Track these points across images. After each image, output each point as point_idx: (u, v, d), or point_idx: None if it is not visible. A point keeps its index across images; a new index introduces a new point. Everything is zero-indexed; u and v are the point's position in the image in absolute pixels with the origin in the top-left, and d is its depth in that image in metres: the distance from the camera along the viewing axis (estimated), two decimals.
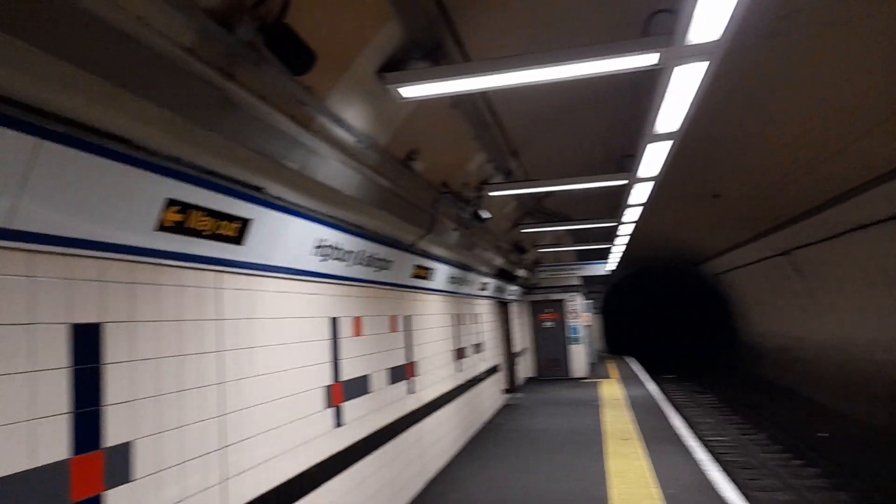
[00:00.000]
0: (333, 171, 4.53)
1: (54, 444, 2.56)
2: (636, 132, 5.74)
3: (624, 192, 8.26)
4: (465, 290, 10.95)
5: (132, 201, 2.92)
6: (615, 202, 10.08)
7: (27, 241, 2.47)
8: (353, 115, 4.69)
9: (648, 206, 9.44)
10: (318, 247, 4.95)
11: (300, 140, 4.00)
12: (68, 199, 2.58)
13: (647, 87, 4.80)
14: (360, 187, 5.06)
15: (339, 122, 4.53)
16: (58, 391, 2.60)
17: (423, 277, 8.08)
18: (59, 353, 2.63)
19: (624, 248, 15.97)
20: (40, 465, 2.48)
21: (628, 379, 18.38)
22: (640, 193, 8.12)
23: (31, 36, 2.11)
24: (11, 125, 2.26)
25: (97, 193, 2.71)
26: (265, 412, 4.19)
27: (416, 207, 6.60)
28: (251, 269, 4.13)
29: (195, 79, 3.03)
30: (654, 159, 6.08)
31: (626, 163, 7.04)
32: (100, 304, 2.87)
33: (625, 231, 12.41)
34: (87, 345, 2.77)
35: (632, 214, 10.02)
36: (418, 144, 6.17)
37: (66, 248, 2.67)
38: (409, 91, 4.23)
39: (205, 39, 3.02)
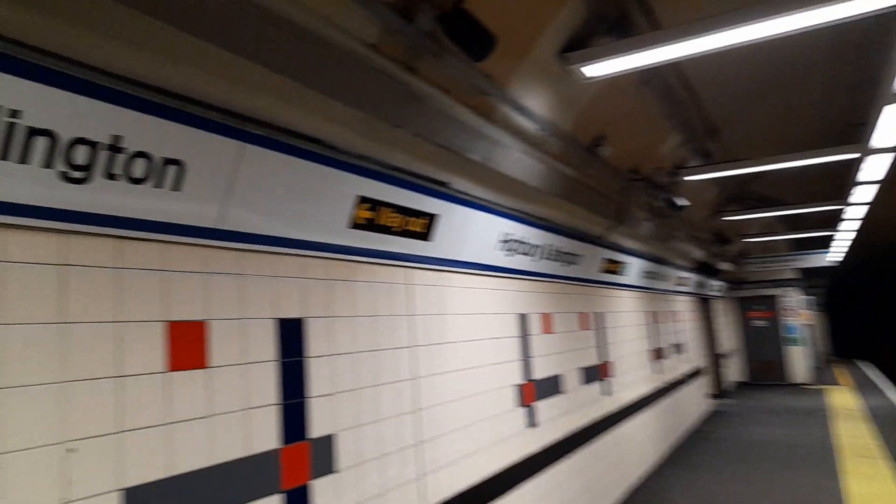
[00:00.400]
0: (516, 161, 4.36)
1: (266, 434, 2.70)
2: (867, 95, 4.77)
3: (852, 167, 6.99)
4: (660, 285, 10.16)
5: (326, 200, 3.01)
6: (839, 181, 8.62)
7: (237, 241, 2.64)
8: (535, 102, 4.48)
9: (887, 183, 7.90)
10: (504, 241, 4.82)
11: (483, 131, 3.89)
12: (270, 199, 2.71)
13: (881, 38, 3.93)
14: (543, 177, 4.83)
15: (521, 109, 4.34)
16: (267, 383, 2.75)
17: (614, 272, 7.59)
18: (267, 346, 2.77)
19: (853, 234, 13.70)
20: (254, 453, 2.62)
21: (864, 386, 15.76)
22: (875, 168, 6.79)
23: (227, 41, 2.21)
24: (217, 130, 2.40)
25: (295, 193, 2.82)
26: (458, 409, 4.15)
27: (603, 197, 6.19)
28: (439, 264, 4.11)
29: (379, 75, 3.04)
30: (894, 124, 5.00)
31: (853, 133, 5.93)
32: (301, 300, 3.00)
33: (853, 214, 10.59)
34: (291, 339, 2.91)
35: (863, 194, 8.47)
36: (605, 128, 5.76)
37: (271, 246, 2.81)
38: (594, 69, 3.91)
39: (387, 34, 3.01)
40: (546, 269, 5.71)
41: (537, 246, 5.38)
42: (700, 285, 13.63)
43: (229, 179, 2.50)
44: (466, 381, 4.31)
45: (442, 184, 3.89)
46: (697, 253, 11.52)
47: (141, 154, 2.17)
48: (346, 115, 2.92)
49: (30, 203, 1.92)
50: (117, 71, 2.04)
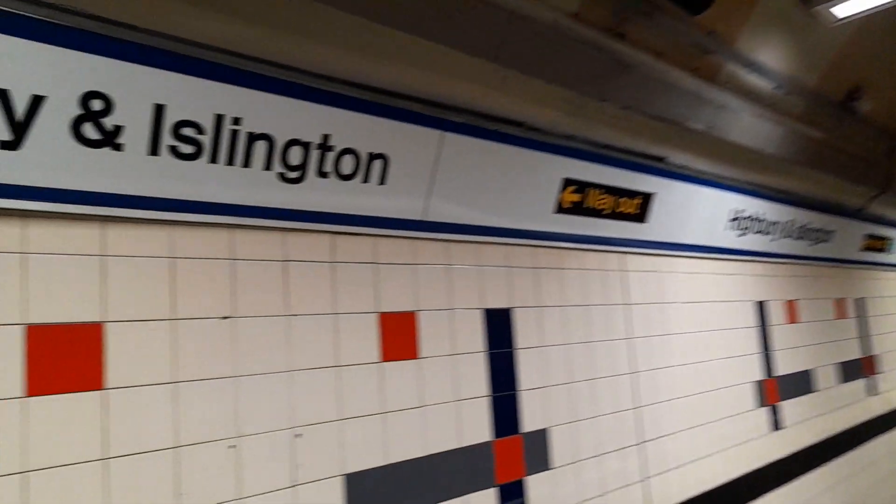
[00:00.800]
0: (747, 127, 3.77)
1: (478, 426, 2.64)
2: None
3: None
4: None
5: (530, 184, 2.85)
6: None
7: (442, 232, 2.61)
8: (769, 56, 3.81)
9: None
10: (734, 219, 4.22)
11: (705, 96, 3.41)
12: (472, 187, 2.64)
13: None
14: (782, 143, 4.12)
15: (752, 66, 3.72)
16: (476, 375, 2.69)
17: (880, 250, 6.30)
18: (474, 337, 2.72)
19: None
20: (467, 444, 2.58)
21: None
22: None
23: (427, 30, 2.16)
24: (417, 121, 2.38)
25: (497, 179, 2.71)
26: (684, 407, 3.73)
27: (862, 161, 5.13)
28: (657, 248, 3.72)
29: (583, 46, 2.79)
30: None
31: None
32: (508, 290, 2.89)
33: None
34: (499, 329, 2.82)
35: None
36: (862, 79, 4.74)
37: (476, 235, 2.75)
38: (846, 8, 3.21)
39: (589, 0, 2.75)
40: (788, 249, 4.91)
41: (775, 223, 4.64)
42: None
43: (431, 170, 2.48)
44: (693, 376, 3.85)
45: (657, 159, 3.50)
46: None
47: (348, 151, 2.23)
48: (547, 93, 2.73)
49: (255, 204, 2.07)
50: (325, 72, 2.10)
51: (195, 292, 1.95)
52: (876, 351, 6.09)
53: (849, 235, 5.66)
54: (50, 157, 1.64)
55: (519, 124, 2.80)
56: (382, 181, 2.35)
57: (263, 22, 1.85)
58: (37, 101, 1.58)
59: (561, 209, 3.04)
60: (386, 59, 2.17)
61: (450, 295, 2.65)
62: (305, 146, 2.12)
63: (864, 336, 5.94)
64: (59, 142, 1.64)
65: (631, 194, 3.36)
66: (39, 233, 1.68)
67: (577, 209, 3.12)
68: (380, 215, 2.40)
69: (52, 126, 1.62)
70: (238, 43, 1.87)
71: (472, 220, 2.71)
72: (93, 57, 1.64)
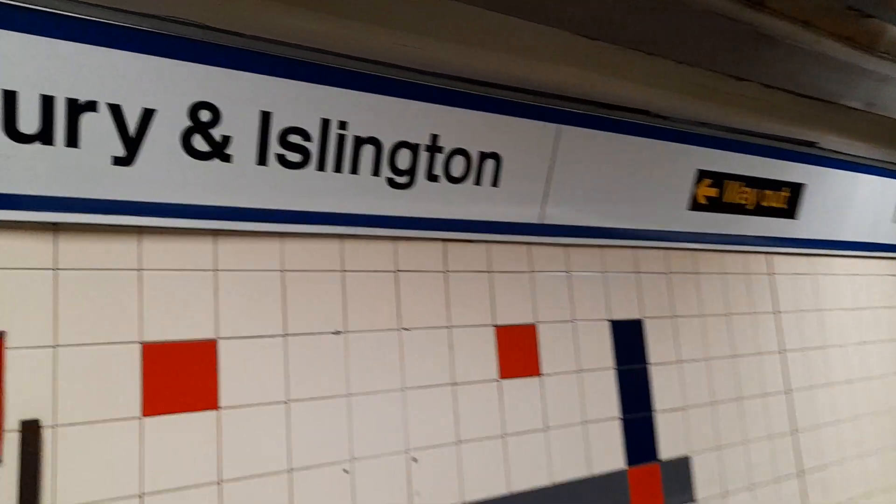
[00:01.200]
0: None
1: (608, 452, 2.37)
2: None
3: None
4: None
5: (658, 179, 2.56)
6: None
7: (561, 235, 2.38)
8: None
9: None
10: None
11: (863, 66, 2.93)
12: (593, 185, 2.40)
13: None
14: None
15: None
16: (605, 393, 2.42)
17: None
18: (601, 351, 2.46)
19: None
20: (597, 473, 2.32)
21: None
22: None
23: (531, 12, 1.97)
24: (530, 114, 2.18)
25: (620, 175, 2.45)
26: (851, 430, 3.21)
27: None
28: (810, 247, 3.25)
29: (713, 18, 2.46)
30: None
31: None
32: (637, 298, 2.60)
33: None
34: (628, 343, 2.53)
35: None
36: None
37: (598, 238, 2.50)
38: None
39: None
40: None
41: None
42: None
43: (548, 167, 2.27)
44: (861, 394, 3.32)
45: (807, 144, 3.05)
46: None
47: (458, 151, 2.07)
48: (674, 74, 2.45)
49: (364, 212, 1.96)
50: (430, 67, 1.96)
51: (306, 307, 1.86)
52: None
53: None
54: (162, 171, 1.61)
55: (643, 112, 2.53)
56: (495, 182, 2.17)
57: (363, 17, 1.74)
58: (148, 115, 1.56)
59: (696, 205, 2.71)
60: (492, 48, 2.00)
61: (571, 305, 2.42)
62: (414, 148, 1.99)
63: None
64: (171, 155, 1.62)
65: (777, 186, 2.95)
66: (154, 248, 1.66)
67: (715, 205, 2.77)
68: (493, 219, 2.22)
69: (163, 140, 1.60)
70: (338, 41, 1.77)
71: (595, 222, 2.46)
72: (198, 66, 1.60)
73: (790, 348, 3.05)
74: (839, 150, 3.21)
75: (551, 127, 2.25)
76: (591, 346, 2.43)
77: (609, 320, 2.50)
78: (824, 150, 3.13)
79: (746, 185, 2.84)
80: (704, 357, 2.72)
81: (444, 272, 2.14)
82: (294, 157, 1.79)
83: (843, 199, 3.27)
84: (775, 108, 2.79)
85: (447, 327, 2.10)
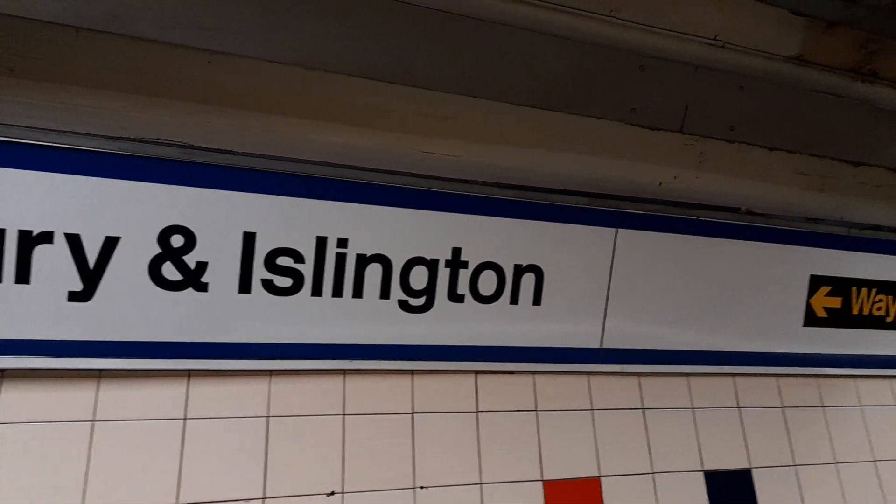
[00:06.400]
0: None
1: None
2: None
3: None
4: None
5: (762, 288, 2.07)
6: None
7: (629, 362, 1.93)
8: None
9: None
10: None
11: None
12: (669, 299, 1.95)
13: None
14: None
15: None
16: None
17: None
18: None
19: None
20: None
21: None
22: None
23: (579, 105, 1.68)
24: (585, 219, 1.83)
25: (709, 285, 1.99)
26: None
27: None
28: None
29: (816, 97, 2.07)
30: None
31: None
32: (741, 441, 2.03)
33: None
34: (732, 500, 1.94)
35: None
36: None
37: (684, 365, 2.00)
38: None
39: (817, 34, 2.02)
40: None
41: None
42: None
43: (608, 280, 1.87)
44: None
45: None
46: None
47: (488, 265, 1.75)
48: (772, 162, 2.04)
49: (371, 342, 1.65)
50: (444, 173, 1.70)
51: (294, 461, 1.54)
52: None
53: None
54: (127, 305, 1.42)
55: (733, 210, 2.09)
56: (537, 301, 1.80)
57: (361, 122, 1.54)
58: (111, 244, 1.40)
59: (813, 319, 2.16)
60: (525, 144, 1.72)
61: (649, 451, 1.90)
62: (431, 265, 1.69)
63: None
64: (137, 287, 1.43)
65: None
66: (112, 396, 1.44)
67: (840, 318, 2.19)
68: (537, 345, 1.82)
69: (128, 270, 1.42)
70: (332, 150, 1.56)
71: (673, 345, 1.98)
72: (168, 187, 1.43)
73: None
74: None
75: (608, 232, 1.87)
76: (678, 498, 1.88)
77: (703, 471, 1.95)
78: None
79: (881, 292, 2.23)
80: None
81: (474, 412, 1.75)
82: (283, 281, 1.55)
83: None
84: None
85: (478, 484, 1.68)
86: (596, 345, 1.89)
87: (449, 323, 1.72)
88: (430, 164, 1.69)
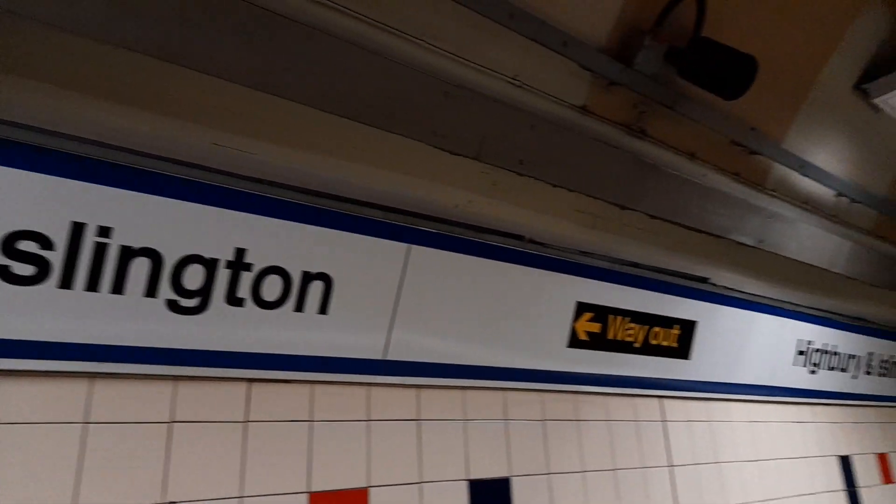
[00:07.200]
0: (809, 241, 3.13)
1: None
2: None
3: None
4: None
5: (532, 311, 2.24)
6: None
7: (407, 374, 1.98)
8: (827, 157, 3.22)
9: None
10: (802, 352, 3.45)
11: (754, 204, 2.82)
12: (452, 315, 2.04)
13: None
14: (852, 261, 3.44)
15: (807, 169, 3.13)
16: None
17: None
18: None
19: None
20: None
21: None
22: None
23: (392, 121, 1.70)
24: (382, 233, 1.85)
25: (487, 305, 2.12)
26: None
27: None
28: (706, 390, 2.97)
29: (595, 144, 2.30)
30: None
31: None
32: (505, 451, 2.19)
33: None
34: None
35: None
36: None
37: (458, 378, 2.11)
38: None
39: (599, 88, 2.26)
40: (873, 388, 4.03)
41: (853, 356, 3.82)
42: None
43: (396, 295, 1.91)
44: None
45: (700, 279, 2.85)
46: None
47: (274, 270, 1.69)
48: (553, 199, 2.21)
49: (128, 344, 1.51)
50: (230, 167, 1.61)
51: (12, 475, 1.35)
52: None
53: None
54: None
55: (517, 237, 2.26)
56: (323, 309, 1.78)
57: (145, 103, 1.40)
58: None
59: (576, 342, 2.40)
60: (325, 151, 1.69)
61: (419, 461, 1.97)
62: (209, 264, 1.58)
63: None
64: None
65: (668, 323, 2.69)
66: None
67: (598, 342, 2.46)
68: (319, 354, 1.80)
69: None
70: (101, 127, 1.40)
71: (453, 359, 2.08)
72: None
73: None
74: (733, 287, 3.03)
75: (401, 247, 1.91)
76: None
77: (468, 480, 2.06)
78: (717, 286, 2.94)
79: (633, 321, 2.56)
80: None
81: (244, 422, 1.67)
82: (23, 269, 1.35)
83: (739, 339, 3.05)
84: (664, 241, 2.59)
85: (237, 498, 1.61)
86: (379, 356, 1.92)
87: (224, 327, 1.62)
88: (222, 158, 1.59)
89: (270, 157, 1.64)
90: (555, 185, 2.26)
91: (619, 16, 2.18)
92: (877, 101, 2.73)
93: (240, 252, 1.62)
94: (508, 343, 2.21)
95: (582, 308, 2.37)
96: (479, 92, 1.90)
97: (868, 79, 2.98)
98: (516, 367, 2.25)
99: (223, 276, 1.60)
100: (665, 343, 2.69)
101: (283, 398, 1.75)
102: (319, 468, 1.76)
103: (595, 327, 2.43)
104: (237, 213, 1.60)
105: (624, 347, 2.55)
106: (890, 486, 3.89)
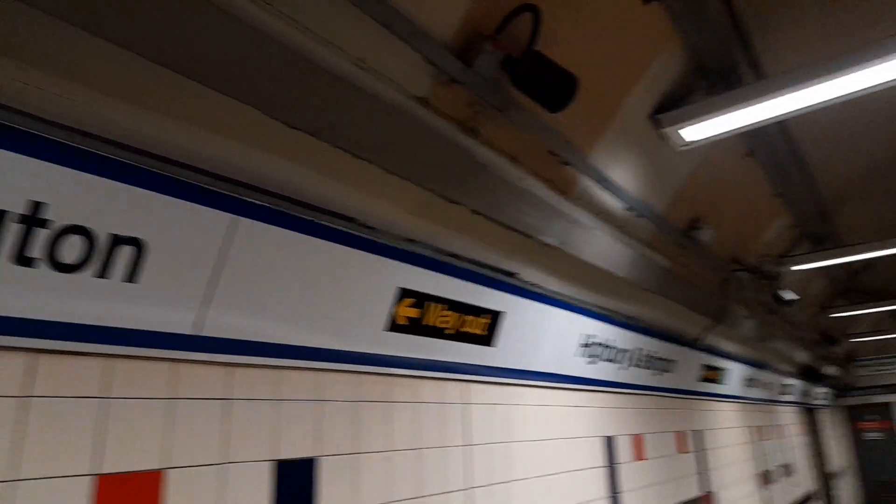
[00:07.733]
0: (599, 247, 3.54)
1: None
2: None
3: None
4: (762, 394, 8.74)
5: (355, 293, 2.26)
6: None
7: (219, 352, 1.89)
8: (622, 174, 3.69)
9: None
10: (585, 345, 3.91)
11: (559, 209, 3.12)
12: (272, 293, 1.99)
13: None
14: (633, 267, 3.96)
15: (606, 183, 3.56)
16: None
17: (714, 381, 6.42)
18: (259, 499, 1.95)
19: None
20: None
21: None
22: None
23: (228, 84, 1.59)
24: (206, 201, 1.73)
25: (310, 284, 2.09)
26: None
27: (700, 291, 5.20)
28: (504, 376, 3.24)
29: (431, 136, 2.36)
30: None
31: None
32: (315, 432, 2.19)
33: None
34: (294, 490, 2.07)
35: None
36: (704, 209, 4.87)
37: (272, 358, 2.06)
38: (693, 132, 3.19)
39: (440, 85, 2.35)
40: (636, 378, 4.70)
41: (625, 351, 4.42)
42: (804, 394, 11.92)
43: (213, 267, 1.80)
44: None
45: (509, 273, 3.09)
46: (801, 355, 10.04)
47: (76, 230, 1.50)
48: (387, 185, 2.24)
49: None
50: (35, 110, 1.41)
51: None
52: (712, 487, 5.98)
53: (688, 365, 5.66)
54: None
55: (348, 219, 2.26)
56: (131, 277, 1.63)
57: None
58: None
59: (395, 326, 2.47)
60: (145, 105, 1.54)
61: (225, 442, 1.90)
62: None
63: (702, 471, 5.83)
64: None
65: (478, 312, 2.88)
66: None
67: (415, 327, 2.56)
68: (120, 325, 1.64)
69: None
70: None
71: (270, 338, 2.03)
72: None
73: (478, 485, 2.89)
74: (536, 283, 3.33)
75: (224, 217, 1.81)
76: (243, 496, 1.91)
77: (275, 461, 2.03)
78: (523, 280, 3.21)
79: (449, 309, 2.70)
80: (387, 502, 2.38)
81: (22, 397, 1.47)
82: None
83: (537, 330, 3.37)
84: (482, 235, 2.76)
85: (9, 482, 1.41)
86: (189, 331, 1.80)
87: (6, 289, 1.41)
88: (25, 98, 1.38)
89: (83, 104, 1.46)
90: (389, 172, 2.29)
91: (466, 17, 2.29)
92: (664, 131, 3.17)
93: (35, 206, 1.42)
94: (328, 324, 2.21)
95: (404, 294, 2.45)
96: (323, 67, 1.86)
97: (661, 110, 3.45)
98: (333, 348, 2.26)
99: (12, 231, 1.39)
100: (474, 331, 2.88)
101: (73, 372, 1.57)
102: (112, 449, 1.61)
103: (414, 313, 2.52)
104: (34, 160, 1.40)
105: (438, 333, 2.68)
106: (642, 462, 4.58)
